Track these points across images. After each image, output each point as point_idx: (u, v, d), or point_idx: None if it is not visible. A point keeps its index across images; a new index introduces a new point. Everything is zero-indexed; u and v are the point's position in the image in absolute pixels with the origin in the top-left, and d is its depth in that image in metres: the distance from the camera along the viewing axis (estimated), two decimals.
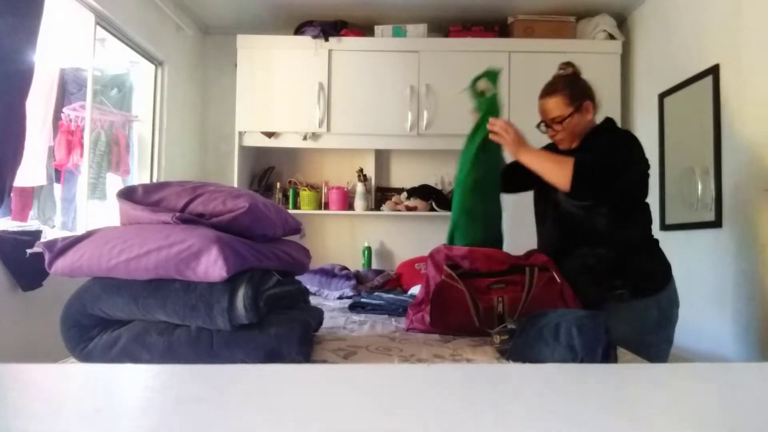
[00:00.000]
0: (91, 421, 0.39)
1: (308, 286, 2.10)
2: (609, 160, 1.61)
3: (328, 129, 3.46)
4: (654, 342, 1.65)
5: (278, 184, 3.76)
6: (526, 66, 3.42)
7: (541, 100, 1.80)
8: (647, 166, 1.73)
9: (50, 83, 2.90)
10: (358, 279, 2.72)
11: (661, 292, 1.70)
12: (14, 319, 2.10)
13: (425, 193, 3.67)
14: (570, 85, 1.76)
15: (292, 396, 0.46)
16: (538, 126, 1.81)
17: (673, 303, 1.74)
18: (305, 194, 3.66)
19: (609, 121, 1.80)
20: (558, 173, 1.59)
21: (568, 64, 1.83)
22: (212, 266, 0.96)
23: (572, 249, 1.72)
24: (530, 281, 1.49)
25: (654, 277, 1.71)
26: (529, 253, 1.67)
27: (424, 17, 3.60)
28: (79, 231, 2.70)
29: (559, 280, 1.53)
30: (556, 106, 1.74)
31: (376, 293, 2.28)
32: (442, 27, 3.70)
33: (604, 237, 1.69)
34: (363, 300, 2.07)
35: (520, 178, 1.82)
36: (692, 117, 2.80)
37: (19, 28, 1.92)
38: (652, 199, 3.11)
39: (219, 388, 0.48)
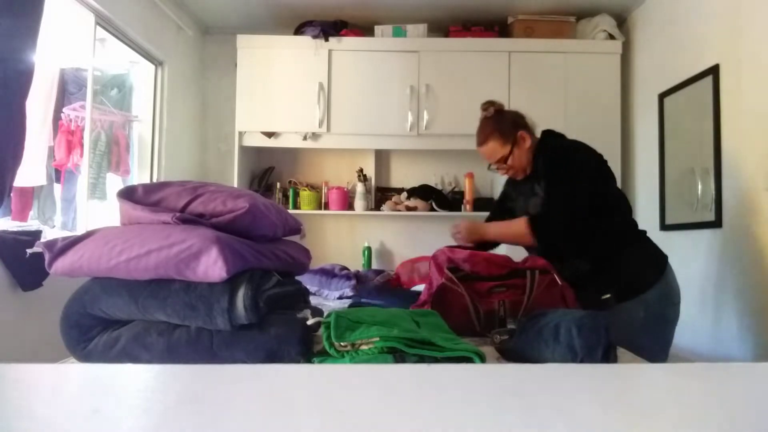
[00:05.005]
0: (90, 421, 0.39)
1: (308, 286, 2.10)
2: (559, 192, 1.64)
3: (328, 129, 3.46)
4: (647, 345, 1.55)
5: (278, 184, 3.76)
6: (526, 66, 3.43)
7: (478, 149, 1.86)
8: (598, 170, 1.72)
9: (50, 83, 2.90)
10: (358, 279, 2.72)
11: (648, 291, 1.65)
12: (14, 319, 2.10)
13: (425, 193, 3.67)
14: (498, 125, 1.80)
15: (292, 396, 0.46)
16: (489, 168, 1.88)
17: (666, 301, 1.68)
18: (305, 194, 3.66)
19: (546, 136, 1.82)
20: (517, 236, 1.72)
21: (489, 103, 1.85)
22: (212, 266, 0.96)
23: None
24: (531, 284, 1.49)
25: (638, 277, 1.67)
26: (527, 258, 1.67)
27: (424, 17, 3.60)
28: (79, 231, 2.70)
29: (560, 282, 1.52)
30: (494, 150, 1.81)
31: None
32: (442, 27, 3.70)
33: (575, 249, 1.70)
34: (363, 300, 2.07)
35: (505, 213, 1.92)
36: (692, 117, 2.80)
37: (19, 28, 1.92)
38: (652, 199, 3.14)
39: (219, 388, 0.48)
